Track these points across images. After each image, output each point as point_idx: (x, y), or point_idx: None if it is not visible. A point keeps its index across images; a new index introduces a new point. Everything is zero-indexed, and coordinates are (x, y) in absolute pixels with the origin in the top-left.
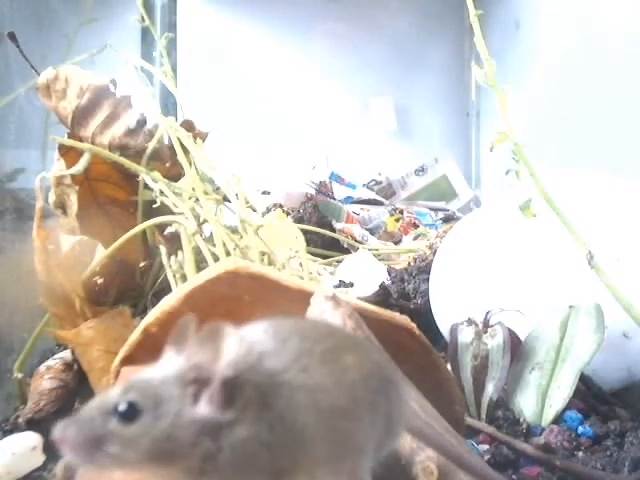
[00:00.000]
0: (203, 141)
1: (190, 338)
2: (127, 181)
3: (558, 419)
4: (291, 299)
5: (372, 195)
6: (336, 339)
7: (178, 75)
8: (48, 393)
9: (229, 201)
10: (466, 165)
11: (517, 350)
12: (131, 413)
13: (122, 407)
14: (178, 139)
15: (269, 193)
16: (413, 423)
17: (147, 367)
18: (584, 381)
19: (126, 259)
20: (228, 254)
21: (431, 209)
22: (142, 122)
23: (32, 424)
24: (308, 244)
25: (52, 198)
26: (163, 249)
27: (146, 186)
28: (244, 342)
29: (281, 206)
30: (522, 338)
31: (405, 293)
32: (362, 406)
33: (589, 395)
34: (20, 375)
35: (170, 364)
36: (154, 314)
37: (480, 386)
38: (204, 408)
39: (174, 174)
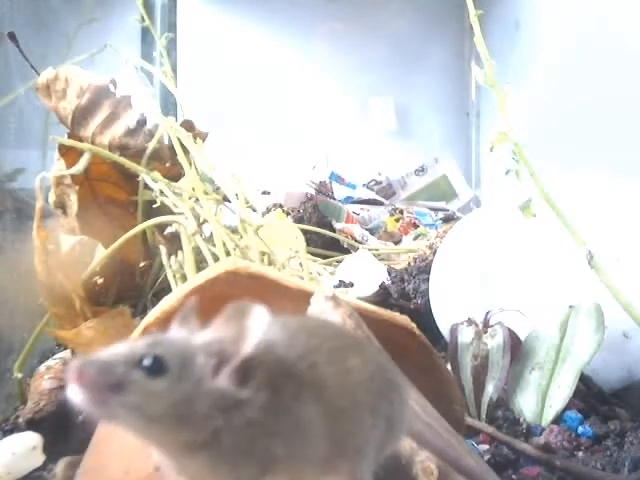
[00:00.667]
0: (203, 141)
1: (219, 315)
2: (127, 181)
3: (558, 419)
4: (291, 299)
5: (372, 195)
6: (343, 339)
7: (178, 75)
8: (48, 393)
9: (229, 201)
10: (466, 165)
11: (517, 350)
12: (157, 368)
13: (148, 360)
14: (178, 139)
15: (269, 193)
16: (413, 426)
17: None
18: (584, 381)
19: (126, 259)
20: (228, 254)
21: (431, 209)
22: (142, 122)
23: (32, 424)
24: (308, 244)
25: (52, 198)
26: (163, 249)
27: (146, 186)
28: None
29: (281, 206)
30: (522, 338)
31: (405, 293)
32: (363, 408)
33: (589, 395)
34: (20, 375)
35: (193, 335)
36: (154, 314)
37: (480, 386)
38: (222, 381)
39: (174, 174)
